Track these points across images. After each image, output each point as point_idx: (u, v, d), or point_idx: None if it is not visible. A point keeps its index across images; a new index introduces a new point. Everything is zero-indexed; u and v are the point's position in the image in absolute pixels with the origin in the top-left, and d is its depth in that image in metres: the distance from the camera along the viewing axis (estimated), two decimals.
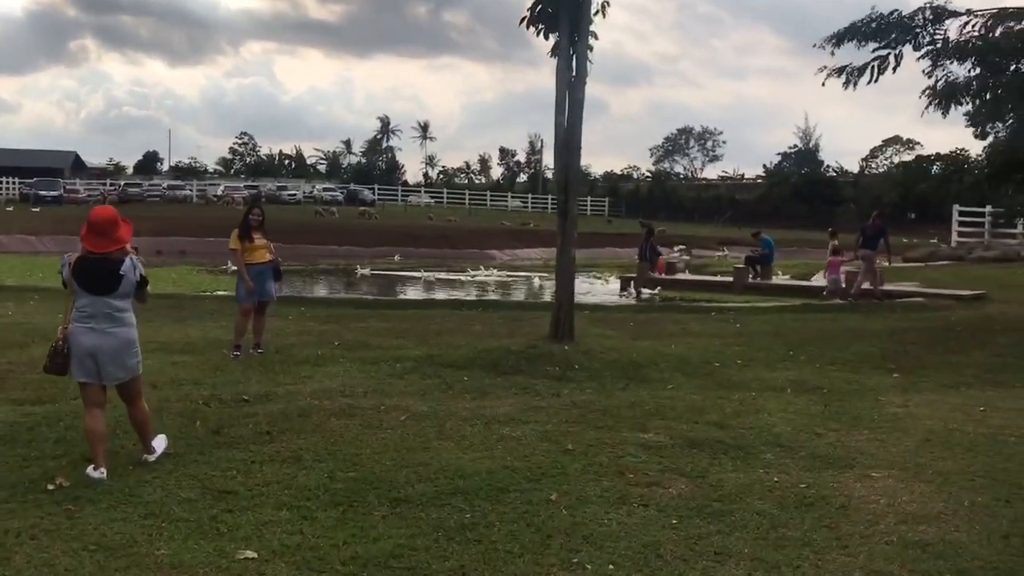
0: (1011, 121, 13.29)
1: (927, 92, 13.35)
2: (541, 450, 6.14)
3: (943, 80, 13.07)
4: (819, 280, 23.96)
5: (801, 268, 33.26)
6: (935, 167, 70.67)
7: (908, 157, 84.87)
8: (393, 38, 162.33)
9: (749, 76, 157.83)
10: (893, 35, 12.59)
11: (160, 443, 5.80)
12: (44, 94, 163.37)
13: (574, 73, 9.92)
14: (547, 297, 20.98)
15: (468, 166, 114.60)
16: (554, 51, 10.03)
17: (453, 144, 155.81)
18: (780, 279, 25.32)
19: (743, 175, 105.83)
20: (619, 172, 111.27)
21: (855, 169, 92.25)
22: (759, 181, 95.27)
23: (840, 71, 13.46)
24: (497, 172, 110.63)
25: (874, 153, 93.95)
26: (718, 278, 23.49)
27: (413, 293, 24.60)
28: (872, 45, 13.04)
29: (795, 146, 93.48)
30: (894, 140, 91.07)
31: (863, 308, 15.57)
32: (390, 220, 53.78)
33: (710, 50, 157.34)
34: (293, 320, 13.00)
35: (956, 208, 37.16)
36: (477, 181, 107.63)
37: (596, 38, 10.00)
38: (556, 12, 9.84)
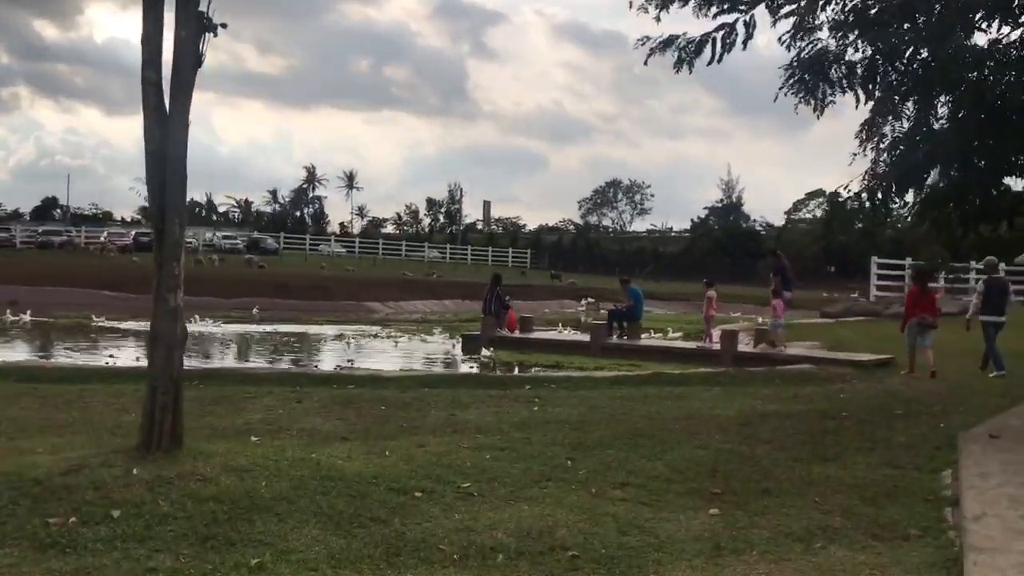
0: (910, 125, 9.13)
1: (785, 68, 9.28)
2: None
3: (808, 50, 9.10)
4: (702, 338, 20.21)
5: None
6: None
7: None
8: (334, 91, 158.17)
9: (685, 135, 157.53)
10: None
11: None
12: None
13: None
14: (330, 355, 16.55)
15: (400, 217, 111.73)
16: None
17: (394, 196, 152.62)
18: (669, 337, 21.43)
19: (671, 228, 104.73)
20: (551, 225, 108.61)
21: (781, 223, 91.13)
22: (686, 235, 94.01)
23: (666, 45, 9.44)
24: (427, 222, 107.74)
25: (797, 207, 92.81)
26: (576, 337, 19.33)
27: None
28: (715, 10, 9.09)
29: (722, 200, 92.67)
30: (817, 193, 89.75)
31: (727, 381, 11.62)
32: (280, 269, 49.40)
33: (647, 109, 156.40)
34: None
35: (874, 260, 34.89)
36: (408, 231, 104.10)
37: None
38: None
